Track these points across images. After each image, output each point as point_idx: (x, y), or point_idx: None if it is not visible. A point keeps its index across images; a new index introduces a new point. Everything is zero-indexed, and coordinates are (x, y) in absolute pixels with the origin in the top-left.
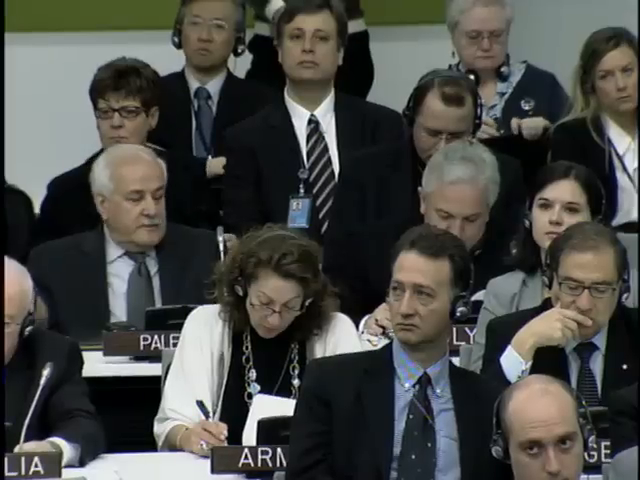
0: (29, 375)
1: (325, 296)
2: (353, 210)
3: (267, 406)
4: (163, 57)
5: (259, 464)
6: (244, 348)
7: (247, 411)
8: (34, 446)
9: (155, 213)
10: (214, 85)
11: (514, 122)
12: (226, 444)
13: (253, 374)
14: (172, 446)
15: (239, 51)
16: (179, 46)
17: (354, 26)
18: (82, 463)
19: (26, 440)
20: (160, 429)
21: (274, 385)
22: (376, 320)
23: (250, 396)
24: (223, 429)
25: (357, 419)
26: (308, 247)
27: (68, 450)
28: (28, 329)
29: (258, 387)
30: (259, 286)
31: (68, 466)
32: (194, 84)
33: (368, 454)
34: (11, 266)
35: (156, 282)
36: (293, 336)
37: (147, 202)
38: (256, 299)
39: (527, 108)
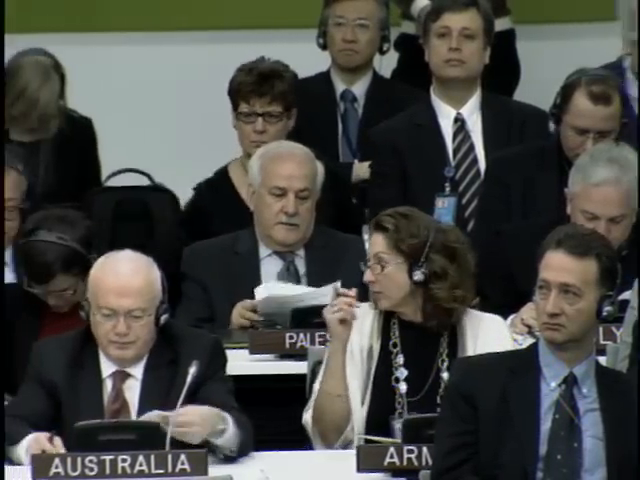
0: (172, 371)
1: (442, 283)
2: (499, 209)
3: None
4: (306, 56)
5: (404, 463)
6: (391, 334)
7: (394, 395)
8: (196, 411)
9: (294, 212)
10: (360, 87)
11: None
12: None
13: (400, 359)
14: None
15: (384, 49)
16: (324, 47)
17: (500, 24)
18: (241, 452)
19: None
20: (305, 418)
21: (422, 374)
22: (522, 319)
23: (397, 380)
24: None
25: (502, 418)
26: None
27: (233, 430)
28: (163, 317)
29: (405, 372)
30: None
31: (223, 455)
32: (340, 86)
33: (514, 454)
34: (134, 258)
35: (304, 282)
36: (429, 324)
37: (288, 200)
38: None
39: None
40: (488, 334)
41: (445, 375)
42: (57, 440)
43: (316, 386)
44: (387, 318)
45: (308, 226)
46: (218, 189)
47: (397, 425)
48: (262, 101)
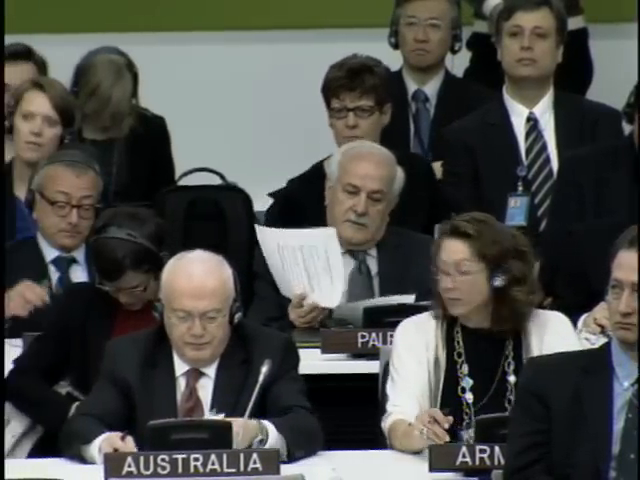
0: (245, 370)
1: (518, 285)
2: (571, 209)
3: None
4: (378, 56)
5: (477, 462)
6: (455, 343)
7: (461, 405)
8: (241, 422)
9: (363, 212)
10: (432, 87)
11: None
12: (447, 438)
13: (465, 368)
14: (394, 440)
15: (456, 49)
16: (396, 47)
17: (573, 23)
18: (290, 456)
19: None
20: (383, 425)
21: (487, 379)
22: (595, 319)
23: (463, 390)
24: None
25: (575, 418)
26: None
27: (274, 437)
28: (237, 316)
29: (471, 381)
30: (440, 255)
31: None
32: (412, 86)
33: (587, 453)
34: (206, 259)
35: (376, 282)
36: (499, 329)
37: (360, 199)
38: (438, 270)
39: None
40: (553, 333)
41: (512, 378)
42: (129, 439)
43: (388, 389)
44: (449, 327)
45: (378, 228)
46: (311, 183)
47: (465, 436)
48: (352, 95)
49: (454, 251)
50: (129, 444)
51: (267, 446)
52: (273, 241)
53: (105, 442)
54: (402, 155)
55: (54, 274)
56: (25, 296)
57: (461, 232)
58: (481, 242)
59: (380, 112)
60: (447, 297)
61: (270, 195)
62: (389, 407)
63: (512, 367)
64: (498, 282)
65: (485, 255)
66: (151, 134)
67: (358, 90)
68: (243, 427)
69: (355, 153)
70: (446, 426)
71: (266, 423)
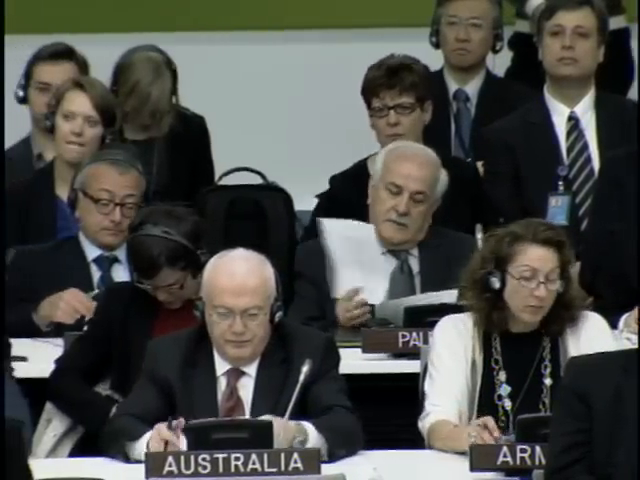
0: (285, 369)
1: (574, 285)
2: (613, 208)
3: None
4: (419, 55)
5: (518, 462)
6: (493, 350)
7: (497, 412)
8: (282, 423)
9: (405, 212)
10: (473, 86)
11: None
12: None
13: (502, 376)
14: (436, 441)
15: (497, 48)
16: (437, 46)
17: (615, 23)
18: (331, 455)
19: None
20: (421, 424)
21: (522, 382)
22: (636, 318)
23: (500, 398)
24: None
25: (616, 417)
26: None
27: (314, 437)
28: (278, 315)
29: (509, 389)
30: (520, 261)
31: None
32: (452, 85)
33: (628, 453)
34: (248, 257)
35: (418, 281)
36: (549, 330)
37: (402, 199)
38: (520, 275)
39: None
40: (590, 333)
41: (547, 381)
42: (178, 424)
43: (427, 387)
44: (487, 333)
45: (419, 229)
46: (354, 181)
47: (502, 442)
48: (392, 93)
49: (545, 260)
50: (177, 430)
51: (308, 446)
52: (336, 233)
53: (154, 434)
54: (447, 158)
55: (96, 273)
56: (74, 306)
57: (553, 241)
58: (566, 250)
59: (421, 109)
60: (531, 305)
61: (317, 197)
62: (428, 406)
63: (548, 370)
64: (561, 286)
65: (566, 262)
66: (191, 133)
67: (398, 88)
68: (284, 428)
69: (399, 153)
70: (495, 434)
71: (305, 424)
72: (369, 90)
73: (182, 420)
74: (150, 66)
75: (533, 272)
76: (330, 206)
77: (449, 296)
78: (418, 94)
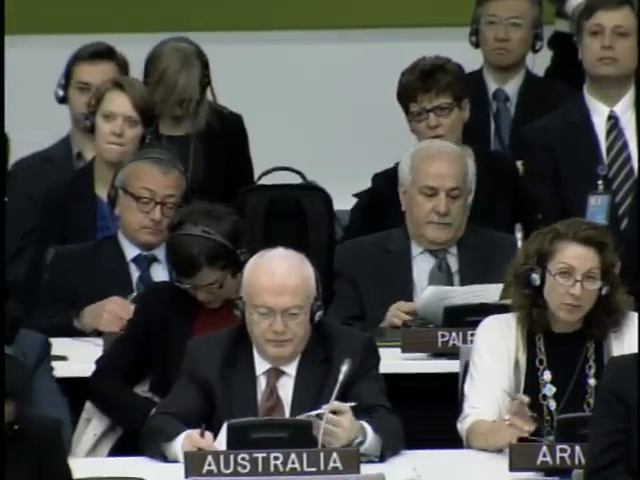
0: (325, 369)
1: (619, 289)
2: None
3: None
4: (458, 55)
5: (557, 462)
6: (537, 350)
7: (541, 412)
8: (351, 418)
9: (446, 212)
10: (512, 86)
11: None
12: (532, 427)
13: (547, 375)
14: (475, 440)
15: (537, 48)
16: (477, 45)
17: None
18: (382, 457)
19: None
20: (460, 426)
21: (567, 383)
22: None
23: (545, 398)
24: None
25: None
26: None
27: (372, 438)
28: (318, 314)
29: (554, 389)
30: (559, 258)
31: (367, 460)
32: (492, 85)
33: None
34: (288, 256)
35: (456, 280)
36: (591, 333)
37: (440, 200)
38: (557, 272)
39: None
40: (632, 333)
41: (592, 381)
42: (208, 435)
43: (467, 388)
44: (530, 332)
45: (460, 224)
46: (395, 180)
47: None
48: (429, 96)
49: (585, 258)
50: (208, 440)
51: (365, 447)
52: None
53: (186, 440)
54: (485, 152)
55: (135, 272)
56: (119, 315)
57: (594, 241)
58: (610, 253)
59: (459, 108)
60: (567, 303)
61: (355, 196)
62: (467, 409)
63: (593, 370)
64: (607, 290)
65: (609, 264)
66: (228, 131)
67: (434, 90)
68: (350, 421)
69: (426, 154)
70: (528, 414)
71: (366, 425)
72: (405, 95)
73: (209, 433)
74: (178, 55)
75: (570, 269)
76: (371, 203)
77: (495, 290)
78: (455, 93)
